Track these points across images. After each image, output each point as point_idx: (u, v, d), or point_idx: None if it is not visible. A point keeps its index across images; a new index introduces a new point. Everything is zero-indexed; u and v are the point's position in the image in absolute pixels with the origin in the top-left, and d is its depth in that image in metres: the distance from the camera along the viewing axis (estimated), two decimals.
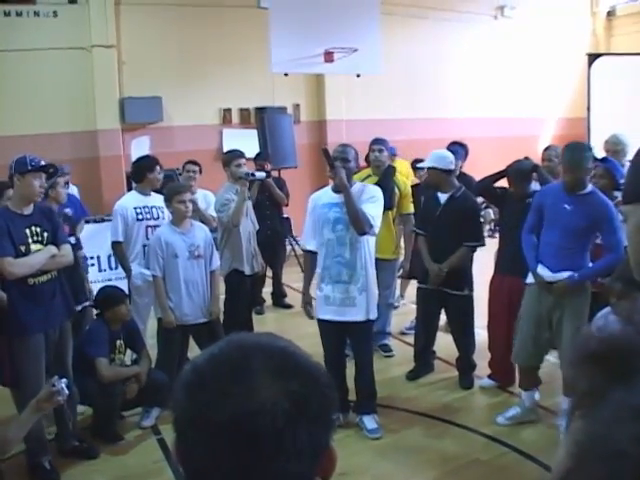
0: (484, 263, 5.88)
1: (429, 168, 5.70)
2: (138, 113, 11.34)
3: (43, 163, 4.31)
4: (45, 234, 4.31)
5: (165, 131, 11.76)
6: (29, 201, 4.28)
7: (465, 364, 5.83)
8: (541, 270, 4.69)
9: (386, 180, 6.14)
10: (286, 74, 10.25)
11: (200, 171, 7.18)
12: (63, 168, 8.27)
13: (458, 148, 6.60)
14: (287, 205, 8.61)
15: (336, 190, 4.78)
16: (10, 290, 4.24)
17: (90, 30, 11.08)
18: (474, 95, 14.16)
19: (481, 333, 5.94)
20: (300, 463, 0.91)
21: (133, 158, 10.98)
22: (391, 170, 6.36)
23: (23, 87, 10.66)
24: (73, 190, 8.54)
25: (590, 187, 4.60)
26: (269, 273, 8.33)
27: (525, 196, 5.24)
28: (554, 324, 4.71)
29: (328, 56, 9.95)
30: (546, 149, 6.15)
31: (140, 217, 5.84)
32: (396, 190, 6.25)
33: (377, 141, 6.42)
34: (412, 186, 6.64)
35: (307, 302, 5.05)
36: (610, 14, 15.71)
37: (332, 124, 13.02)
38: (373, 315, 4.86)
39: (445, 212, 5.56)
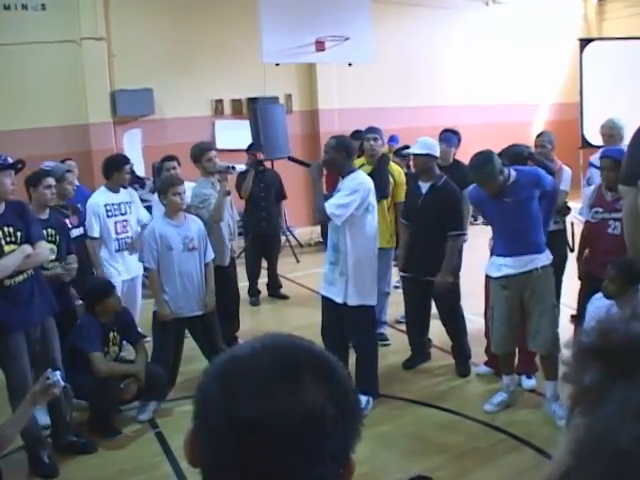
0: (479, 250, 5.86)
1: (418, 155, 5.63)
2: (129, 106, 11.29)
3: (10, 160, 4.23)
4: (18, 233, 4.21)
5: (157, 123, 11.71)
6: (1, 200, 4.19)
7: (459, 351, 5.83)
8: (500, 270, 4.85)
9: (380, 169, 6.12)
10: (277, 64, 10.21)
11: (179, 163, 7.10)
12: (71, 164, 8.31)
13: (451, 135, 6.56)
14: (285, 198, 8.54)
15: None
16: None
17: (79, 23, 11.01)
18: (467, 82, 14.16)
19: (478, 320, 5.94)
20: (332, 468, 0.90)
21: (126, 151, 10.97)
22: (385, 159, 6.34)
23: (12, 81, 10.58)
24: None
25: (513, 175, 4.75)
26: (264, 264, 8.32)
27: (505, 189, 5.21)
28: (525, 303, 4.85)
29: (319, 45, 9.93)
30: (539, 135, 6.13)
31: (110, 214, 6.17)
32: (390, 179, 6.23)
33: (371, 130, 6.40)
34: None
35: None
36: None
37: (324, 113, 13.00)
38: (351, 301, 5.00)
39: (426, 201, 5.53)
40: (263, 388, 0.88)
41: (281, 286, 8.53)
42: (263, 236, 8.10)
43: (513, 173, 4.75)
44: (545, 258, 4.78)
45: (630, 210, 4.29)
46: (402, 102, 13.29)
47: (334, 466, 0.90)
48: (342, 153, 4.99)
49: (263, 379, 0.89)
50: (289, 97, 12.86)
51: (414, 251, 5.70)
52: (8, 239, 4.15)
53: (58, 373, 3.19)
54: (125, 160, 6.46)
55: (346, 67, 10.81)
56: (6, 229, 4.16)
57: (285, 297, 8.38)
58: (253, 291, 8.18)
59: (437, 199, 5.50)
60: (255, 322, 7.45)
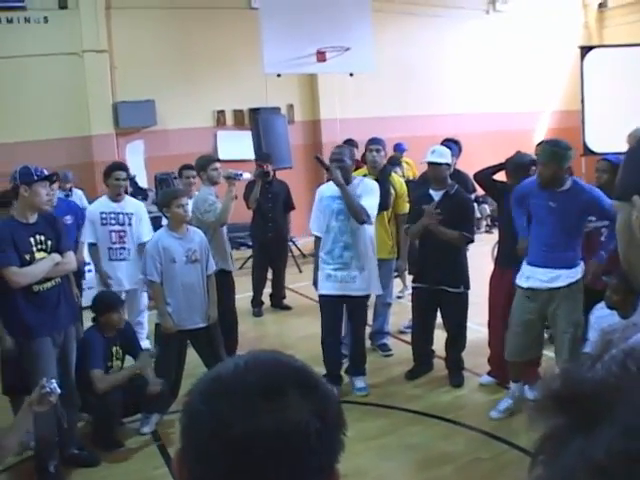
0: (482, 259, 5.86)
1: (436, 163, 5.61)
2: (132, 117, 11.33)
3: (46, 172, 4.40)
4: (49, 242, 4.37)
5: (159, 134, 11.75)
6: (37, 210, 4.34)
7: (456, 362, 5.83)
8: (528, 281, 4.74)
9: (382, 181, 6.13)
10: (279, 75, 10.24)
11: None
12: (67, 174, 8.32)
13: (452, 145, 6.56)
14: (294, 208, 8.54)
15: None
16: (15, 296, 4.31)
17: (81, 35, 11.10)
18: (468, 90, 14.17)
19: (481, 330, 5.93)
20: None
21: (128, 162, 10.99)
22: (387, 170, 6.35)
23: (15, 94, 10.66)
24: (77, 195, 8.55)
25: (568, 182, 4.59)
26: (269, 275, 8.32)
27: (556, 191, 5.18)
28: (549, 317, 4.76)
29: (320, 56, 9.94)
30: (539, 144, 6.12)
31: (104, 222, 6.30)
32: (392, 190, 6.24)
33: (374, 141, 6.37)
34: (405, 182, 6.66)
35: (316, 280, 5.65)
36: (602, 6, 15.71)
37: (326, 123, 13.02)
38: (375, 289, 5.66)
39: (440, 209, 5.52)
40: (248, 407, 0.89)
41: (284, 297, 8.53)
42: (270, 246, 8.11)
43: (570, 181, 4.60)
44: (575, 274, 4.65)
45: (624, 226, 4.27)
46: (404, 111, 13.30)
47: (320, 478, 0.92)
48: (351, 160, 5.50)
49: (248, 398, 0.90)
50: (291, 107, 12.89)
51: (426, 260, 5.70)
52: (39, 246, 4.32)
53: (54, 381, 3.22)
54: (115, 166, 6.53)
55: (347, 77, 10.84)
56: (38, 237, 4.34)
57: (288, 308, 8.36)
58: (257, 302, 8.17)
59: (451, 207, 5.49)
60: (258, 332, 7.46)
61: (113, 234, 6.30)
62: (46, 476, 4.44)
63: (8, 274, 4.17)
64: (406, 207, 6.28)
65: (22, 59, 10.70)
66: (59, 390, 3.24)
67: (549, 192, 4.55)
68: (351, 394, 5.61)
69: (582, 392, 0.63)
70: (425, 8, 13.49)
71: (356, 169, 6.54)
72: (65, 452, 4.69)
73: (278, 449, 0.87)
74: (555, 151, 4.45)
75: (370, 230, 5.49)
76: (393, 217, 6.34)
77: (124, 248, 6.32)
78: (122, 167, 6.56)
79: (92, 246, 6.33)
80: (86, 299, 6.32)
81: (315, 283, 5.65)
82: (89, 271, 6.91)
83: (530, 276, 4.73)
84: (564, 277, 4.63)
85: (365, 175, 6.15)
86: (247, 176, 6.83)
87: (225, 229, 6.33)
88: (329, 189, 5.53)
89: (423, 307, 5.84)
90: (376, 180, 5.95)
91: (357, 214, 5.27)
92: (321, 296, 5.63)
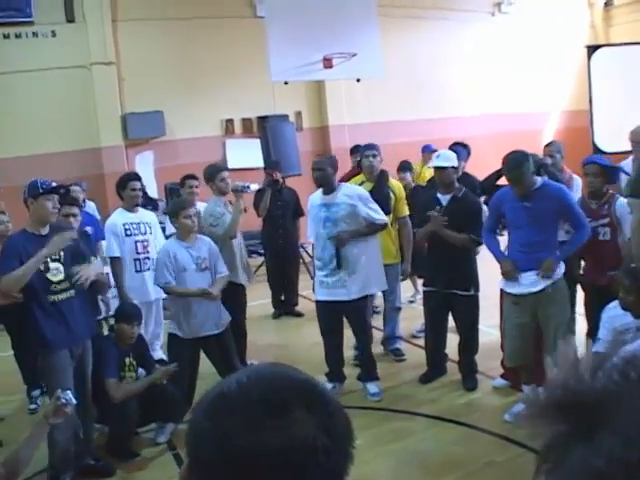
0: (493, 261, 5.84)
1: (442, 168, 5.63)
2: (140, 128, 11.41)
3: (54, 185, 4.46)
4: (62, 252, 4.41)
5: (168, 145, 11.81)
6: (44, 222, 4.40)
7: (469, 365, 5.82)
8: (512, 287, 4.91)
9: (381, 186, 6.17)
10: (286, 82, 10.26)
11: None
12: (80, 185, 8.37)
13: (460, 149, 6.57)
14: (302, 215, 8.53)
15: (325, 192, 5.56)
16: (33, 309, 4.38)
17: (89, 48, 11.21)
18: (475, 93, 14.15)
19: (493, 332, 5.92)
20: None
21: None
22: (384, 175, 6.37)
23: (25, 108, 10.76)
24: (90, 206, 8.60)
25: (539, 181, 4.84)
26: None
27: (530, 193, 5.19)
28: (539, 318, 4.87)
29: (327, 62, 9.94)
30: (547, 145, 6.13)
31: (129, 232, 6.21)
32: (391, 195, 6.26)
33: (370, 147, 6.44)
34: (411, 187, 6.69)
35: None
36: (607, 4, 15.68)
37: (335, 129, 13.05)
38: (375, 288, 5.80)
39: (448, 213, 5.53)
40: (252, 424, 0.88)
41: (297, 304, 8.55)
42: (281, 253, 8.14)
43: (539, 180, 4.84)
44: (556, 274, 4.79)
45: (638, 223, 4.35)
46: (412, 115, 13.30)
47: None
48: (332, 169, 5.61)
49: (252, 414, 0.89)
50: (299, 114, 12.92)
51: (436, 264, 5.70)
52: (53, 257, 4.37)
53: (69, 392, 3.24)
54: (130, 177, 6.46)
55: (355, 83, 10.84)
56: None
57: (300, 315, 8.37)
58: (276, 302, 8.25)
59: (460, 210, 5.52)
60: (268, 340, 7.46)
61: (138, 244, 6.24)
62: None
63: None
64: (406, 210, 6.38)
65: (31, 73, 10.81)
66: (74, 401, 3.26)
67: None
68: (365, 400, 5.61)
69: (583, 400, 0.64)
70: (431, 12, 13.51)
71: (354, 175, 6.60)
72: (81, 463, 4.72)
73: (284, 466, 0.87)
74: (521, 172, 4.70)
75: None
76: (395, 221, 6.36)
77: (148, 258, 6.24)
78: (137, 177, 6.49)
79: (115, 260, 6.14)
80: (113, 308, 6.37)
81: (314, 289, 5.86)
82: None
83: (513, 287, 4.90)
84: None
85: (363, 182, 6.20)
86: (255, 187, 6.84)
87: (241, 241, 6.35)
88: (317, 197, 5.66)
89: (434, 311, 5.85)
90: (373, 187, 6.06)
91: (372, 232, 5.55)
92: (316, 302, 5.80)
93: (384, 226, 5.64)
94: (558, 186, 4.95)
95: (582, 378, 0.66)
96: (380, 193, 6.01)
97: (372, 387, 5.73)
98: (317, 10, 9.75)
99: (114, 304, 5.94)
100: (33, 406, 5.83)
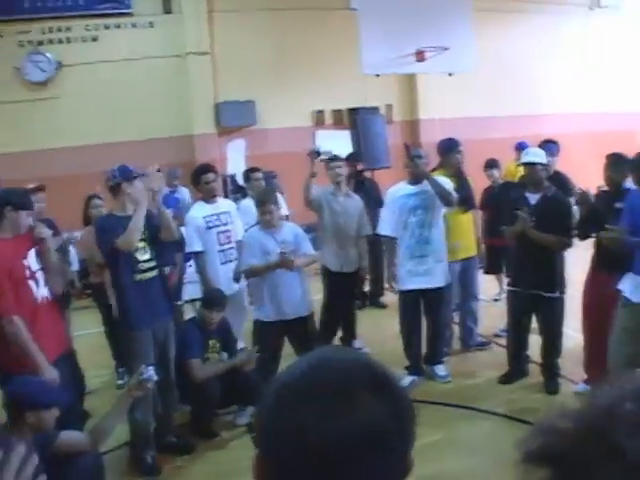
0: (580, 263, 5.70)
1: (533, 164, 5.50)
2: (233, 117, 11.62)
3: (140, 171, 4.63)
4: (145, 232, 4.57)
5: (259, 134, 11.97)
6: (138, 203, 4.50)
7: (551, 368, 5.68)
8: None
9: (463, 181, 6.22)
10: (378, 75, 10.24)
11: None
12: (175, 171, 8.58)
13: (551, 146, 6.45)
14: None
15: (412, 183, 5.82)
16: (119, 286, 4.59)
17: (185, 38, 11.49)
18: (570, 89, 13.75)
19: (578, 336, 5.77)
20: (397, 474, 0.93)
21: (229, 161, 11.30)
22: (463, 172, 6.38)
23: (123, 95, 11.16)
24: (183, 192, 8.81)
25: None
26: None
27: (620, 194, 5.03)
28: None
29: (419, 55, 9.87)
30: None
31: (210, 225, 6.03)
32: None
33: (458, 143, 6.44)
34: (487, 188, 6.65)
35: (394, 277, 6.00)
36: None
37: (425, 123, 12.94)
38: (448, 280, 5.91)
39: (538, 213, 5.39)
40: (320, 413, 0.88)
41: (382, 294, 8.58)
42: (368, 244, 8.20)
43: None
44: None
45: None
46: (503, 111, 13.05)
47: (398, 471, 0.93)
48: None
49: (319, 404, 0.89)
50: (390, 107, 12.86)
51: (523, 264, 5.60)
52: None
53: (151, 368, 3.36)
54: (202, 170, 6.20)
55: (446, 76, 10.73)
56: None
57: (383, 306, 8.42)
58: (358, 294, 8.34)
59: (549, 210, 5.38)
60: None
61: (221, 235, 6.06)
62: (143, 465, 4.65)
63: (118, 245, 4.39)
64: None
65: (129, 62, 11.22)
66: (156, 377, 3.38)
67: None
68: (434, 384, 5.86)
69: (565, 447, 0.65)
70: (526, 4, 13.19)
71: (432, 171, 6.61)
72: (162, 440, 4.88)
73: (354, 450, 0.87)
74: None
75: (441, 223, 5.85)
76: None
77: (232, 248, 6.12)
78: (209, 169, 6.21)
79: (199, 254, 6.01)
80: (187, 293, 6.53)
81: (393, 280, 6.01)
82: (189, 266, 6.94)
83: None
84: None
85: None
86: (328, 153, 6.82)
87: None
88: (400, 190, 5.92)
89: (518, 311, 5.73)
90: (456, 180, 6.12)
91: (445, 197, 5.66)
92: (402, 292, 5.94)
93: (449, 203, 5.77)
94: None
95: (561, 428, 0.67)
96: (464, 188, 6.16)
97: (440, 370, 6.01)
98: (410, 2, 9.70)
99: (189, 289, 6.08)
100: (120, 382, 6.03)
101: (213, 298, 5.41)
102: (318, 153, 6.40)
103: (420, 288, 5.80)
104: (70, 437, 3.44)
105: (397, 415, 0.92)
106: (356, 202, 6.64)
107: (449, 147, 6.35)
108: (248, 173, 7.36)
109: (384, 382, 0.95)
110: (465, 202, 6.20)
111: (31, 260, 4.23)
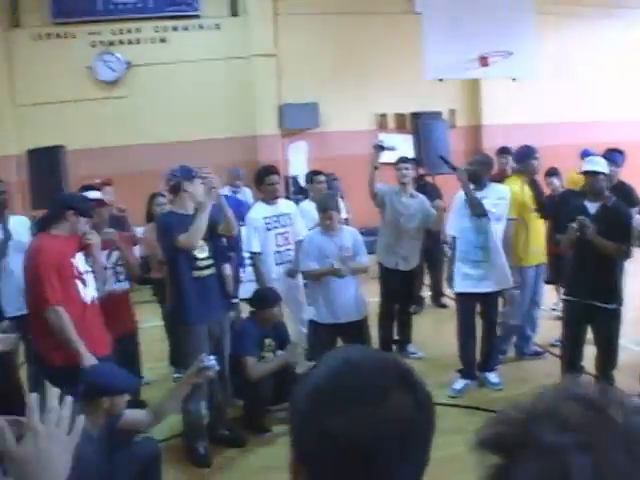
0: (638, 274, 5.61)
1: (592, 173, 5.46)
2: (296, 119, 11.75)
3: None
4: (206, 231, 4.66)
5: (321, 136, 12.08)
6: (195, 202, 4.66)
7: (605, 380, 5.58)
8: None
9: (538, 189, 6.18)
10: (441, 79, 10.23)
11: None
12: (238, 171, 8.72)
13: (616, 155, 6.33)
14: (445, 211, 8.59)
15: (475, 188, 5.81)
16: (178, 283, 4.71)
17: (250, 40, 11.70)
18: (632, 96, 13.42)
19: (635, 349, 5.68)
20: (423, 461, 0.99)
21: (291, 163, 11.43)
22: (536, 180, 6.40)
23: (188, 95, 11.46)
24: (245, 192, 8.96)
25: None
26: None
27: None
28: None
29: (483, 60, 9.84)
30: None
31: (269, 226, 6.12)
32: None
33: (535, 149, 6.45)
34: (547, 196, 6.62)
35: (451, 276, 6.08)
36: None
37: (488, 129, 12.83)
38: (506, 284, 5.90)
39: (597, 223, 5.33)
40: (353, 415, 0.92)
41: (443, 295, 8.65)
42: (424, 248, 8.22)
43: None
44: None
45: None
46: (567, 118, 12.86)
47: (423, 458, 0.99)
48: (484, 167, 5.89)
49: (351, 405, 0.93)
50: (452, 112, 12.81)
51: (579, 273, 5.55)
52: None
53: (212, 357, 3.50)
54: (267, 171, 6.26)
55: (510, 82, 10.65)
56: None
57: (444, 306, 8.53)
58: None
59: (610, 220, 5.29)
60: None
61: (279, 237, 6.15)
62: (195, 455, 4.79)
63: (180, 243, 4.52)
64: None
65: (196, 63, 11.49)
66: (217, 367, 3.51)
67: None
68: (485, 391, 5.90)
69: (511, 441, 0.71)
70: (592, 9, 12.92)
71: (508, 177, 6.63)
72: (215, 432, 5.02)
73: (389, 449, 0.91)
74: None
75: (498, 230, 5.82)
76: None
77: (289, 249, 6.21)
78: (273, 171, 6.27)
79: (256, 255, 6.09)
80: (244, 291, 6.62)
81: (450, 279, 6.08)
82: (248, 265, 7.01)
83: None
84: None
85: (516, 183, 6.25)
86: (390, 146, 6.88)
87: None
88: (462, 195, 5.95)
89: (573, 321, 5.65)
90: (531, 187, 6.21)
91: (474, 207, 5.72)
92: (458, 294, 6.02)
93: (478, 215, 5.77)
94: None
95: (510, 417, 0.73)
96: (542, 195, 6.36)
97: (493, 377, 6.05)
98: (474, 7, 9.67)
99: (247, 287, 6.20)
100: (177, 375, 6.18)
101: (264, 297, 5.51)
102: (382, 147, 6.49)
103: (474, 292, 5.85)
104: (132, 415, 3.65)
105: (422, 406, 0.98)
106: (419, 201, 6.67)
107: (527, 154, 6.35)
108: (311, 176, 7.46)
109: (410, 377, 1.00)
110: (542, 209, 6.30)
111: (79, 261, 4.37)
